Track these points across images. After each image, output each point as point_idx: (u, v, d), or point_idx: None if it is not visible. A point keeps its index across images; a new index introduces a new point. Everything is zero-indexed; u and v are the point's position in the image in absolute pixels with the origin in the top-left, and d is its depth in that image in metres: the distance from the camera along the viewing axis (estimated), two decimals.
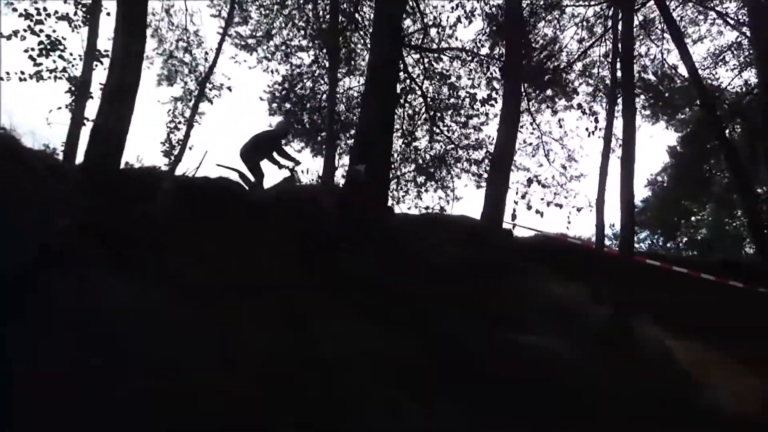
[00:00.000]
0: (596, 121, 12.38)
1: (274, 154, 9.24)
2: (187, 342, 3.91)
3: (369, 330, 5.43)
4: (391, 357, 5.17)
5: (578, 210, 12.92)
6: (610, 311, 7.63)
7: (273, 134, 9.75)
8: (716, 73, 15.44)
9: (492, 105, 13.33)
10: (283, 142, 10.39)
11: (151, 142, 22.54)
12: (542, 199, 13.33)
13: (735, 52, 15.00)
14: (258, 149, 9.24)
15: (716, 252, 16.65)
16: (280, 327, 4.88)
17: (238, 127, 32.38)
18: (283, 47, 15.40)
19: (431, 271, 7.29)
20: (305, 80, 15.46)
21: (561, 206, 13.34)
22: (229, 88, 15.51)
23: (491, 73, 13.47)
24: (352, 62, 14.62)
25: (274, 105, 15.49)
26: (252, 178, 9.00)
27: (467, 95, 13.82)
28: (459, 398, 5.09)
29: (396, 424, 4.35)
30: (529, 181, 13.17)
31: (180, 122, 15.12)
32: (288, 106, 15.44)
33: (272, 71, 15.54)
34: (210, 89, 15.43)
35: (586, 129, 12.63)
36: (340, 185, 10.43)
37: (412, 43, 12.71)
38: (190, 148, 14.71)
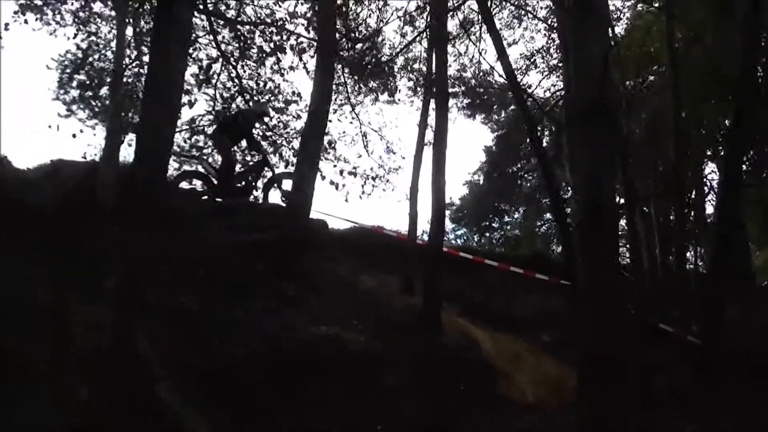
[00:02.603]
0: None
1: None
2: None
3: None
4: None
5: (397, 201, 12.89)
6: (419, 302, 7.39)
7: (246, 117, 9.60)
8: (529, 75, 16.41)
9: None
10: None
11: None
12: (364, 190, 13.14)
13: (544, 56, 15.99)
14: (229, 133, 9.35)
15: (525, 249, 17.69)
16: None
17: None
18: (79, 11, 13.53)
19: (220, 254, 6.60)
20: (103, 51, 13.74)
21: (369, 194, 13.26)
22: None
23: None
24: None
25: (65, 76, 13.56)
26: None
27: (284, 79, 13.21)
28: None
29: None
30: (341, 173, 12.94)
31: None
32: (82, 78, 13.62)
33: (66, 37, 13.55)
34: None
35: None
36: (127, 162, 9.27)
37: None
38: None
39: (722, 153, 12.56)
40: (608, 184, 3.75)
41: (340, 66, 13.75)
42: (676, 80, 12.15)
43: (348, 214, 23.10)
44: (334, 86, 13.86)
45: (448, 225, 22.70)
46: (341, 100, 13.85)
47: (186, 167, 11.84)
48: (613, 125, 5.31)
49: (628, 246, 13.84)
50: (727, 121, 11.72)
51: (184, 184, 9.84)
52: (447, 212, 22.57)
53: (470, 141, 56.58)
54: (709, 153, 15.55)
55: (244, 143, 10.51)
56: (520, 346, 7.87)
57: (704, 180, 16.46)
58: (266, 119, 11.79)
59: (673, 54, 12.20)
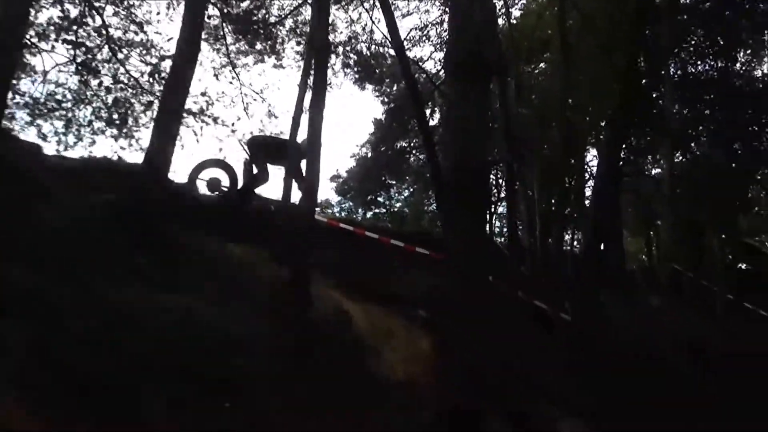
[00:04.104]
0: None
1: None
2: None
3: None
4: None
5: None
6: (289, 274, 6.95)
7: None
8: (422, 48, 16.28)
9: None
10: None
11: None
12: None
13: (438, 30, 15.89)
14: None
15: (412, 226, 17.71)
16: None
17: None
18: None
19: (65, 219, 5.84)
20: None
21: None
22: None
23: None
24: None
25: None
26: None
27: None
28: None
29: None
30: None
31: None
32: None
33: None
34: None
35: None
36: None
37: None
38: None
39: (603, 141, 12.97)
40: (478, 144, 3.48)
41: (223, 23, 13.00)
42: (566, 67, 12.38)
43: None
44: (216, 45, 13.16)
45: (334, 198, 22.43)
46: (222, 60, 13.17)
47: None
48: (488, 85, 5.12)
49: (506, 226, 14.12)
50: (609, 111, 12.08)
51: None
52: (333, 185, 22.49)
53: (362, 113, 56.49)
54: (592, 141, 16.18)
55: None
56: (395, 321, 7.65)
57: (586, 167, 17.16)
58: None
59: (564, 40, 12.41)
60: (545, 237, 13.24)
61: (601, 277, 12.98)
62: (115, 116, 12.58)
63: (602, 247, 16.91)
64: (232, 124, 13.14)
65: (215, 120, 12.97)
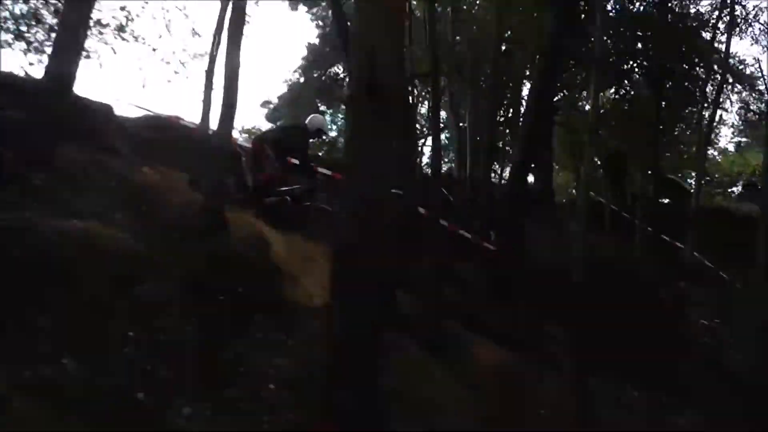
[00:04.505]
0: None
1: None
2: None
3: None
4: None
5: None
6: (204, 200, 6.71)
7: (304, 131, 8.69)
8: None
9: None
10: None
11: None
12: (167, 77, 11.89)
13: None
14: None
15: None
16: None
17: None
18: None
19: None
20: None
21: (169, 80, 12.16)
22: None
23: None
24: None
25: None
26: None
27: None
28: None
29: None
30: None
31: None
32: None
33: None
34: None
35: None
36: None
37: None
38: None
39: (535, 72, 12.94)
40: (390, 56, 3.31)
41: None
42: None
43: (146, 103, 21.10)
44: None
45: (264, 124, 21.85)
46: None
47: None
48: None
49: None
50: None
51: None
52: (264, 110, 21.79)
53: (295, 38, 54.85)
54: (527, 73, 16.19)
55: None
56: (315, 249, 7.55)
57: (520, 99, 17.22)
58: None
59: None
60: (475, 168, 13.35)
61: (528, 208, 13.31)
62: (24, 28, 11.67)
63: (531, 179, 17.33)
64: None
65: (135, 38, 12.24)
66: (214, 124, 7.84)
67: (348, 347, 3.21)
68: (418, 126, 13.87)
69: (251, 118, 31.56)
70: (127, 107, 10.20)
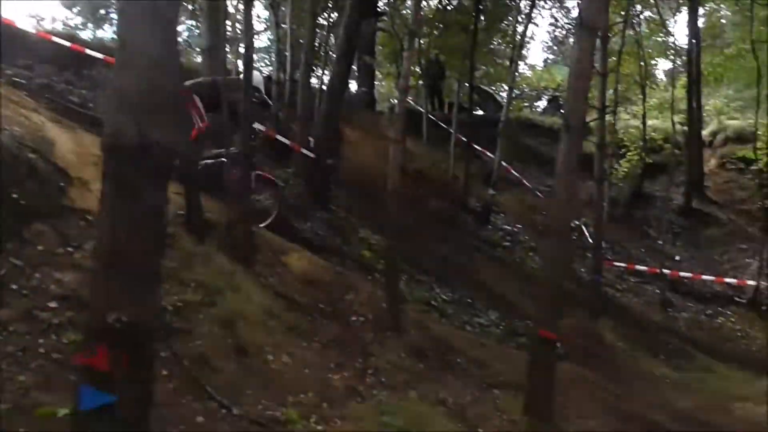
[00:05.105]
0: None
1: None
2: None
3: None
4: None
5: None
6: None
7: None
8: None
9: None
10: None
11: None
12: None
13: None
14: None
15: None
16: None
17: None
18: None
19: None
20: None
21: None
22: None
23: None
24: None
25: None
26: None
27: None
28: None
29: None
30: None
31: None
32: None
33: None
34: None
35: None
36: None
37: None
38: None
39: None
40: None
41: None
42: None
43: None
44: None
45: (59, 13, 19.32)
46: None
47: None
48: None
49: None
50: None
51: None
52: None
53: None
54: None
55: None
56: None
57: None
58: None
59: None
60: (296, 71, 12.82)
61: (349, 115, 13.23)
62: None
63: (352, 87, 17.20)
64: None
65: None
66: None
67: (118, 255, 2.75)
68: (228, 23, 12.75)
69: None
70: None
